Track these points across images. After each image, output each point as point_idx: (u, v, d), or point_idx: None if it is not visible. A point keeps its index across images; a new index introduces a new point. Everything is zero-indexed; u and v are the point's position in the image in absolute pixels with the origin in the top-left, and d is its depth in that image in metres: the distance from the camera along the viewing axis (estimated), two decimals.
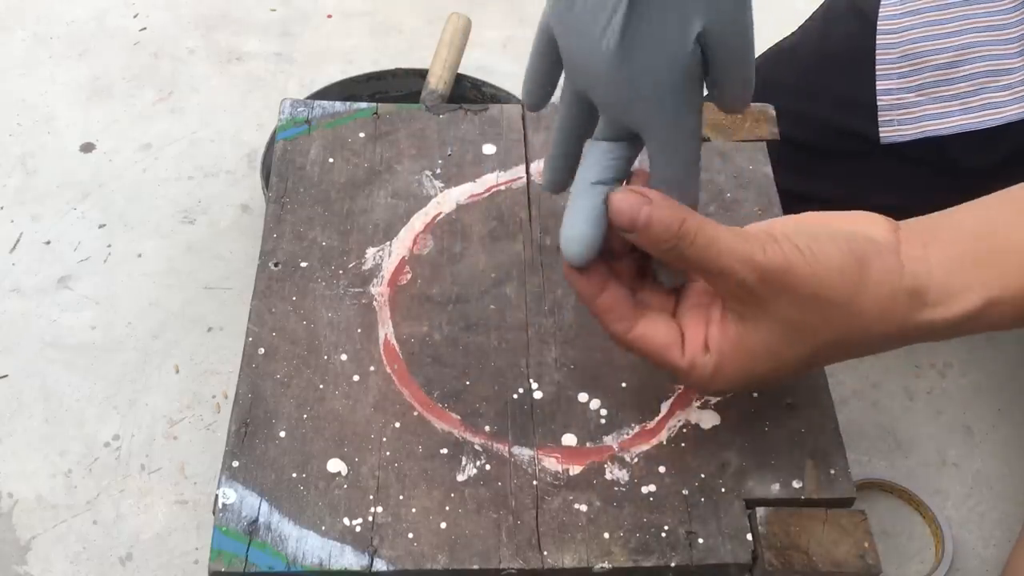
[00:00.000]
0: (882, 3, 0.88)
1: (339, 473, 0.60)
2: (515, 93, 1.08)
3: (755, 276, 0.53)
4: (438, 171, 0.76)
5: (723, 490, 0.60)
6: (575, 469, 0.61)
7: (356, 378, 0.64)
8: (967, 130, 0.85)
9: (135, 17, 1.29)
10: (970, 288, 0.55)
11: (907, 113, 0.87)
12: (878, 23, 0.88)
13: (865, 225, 0.57)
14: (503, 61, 1.26)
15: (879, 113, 0.87)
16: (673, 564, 0.57)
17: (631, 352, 0.60)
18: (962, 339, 1.00)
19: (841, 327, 0.55)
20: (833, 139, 0.91)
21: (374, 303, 0.68)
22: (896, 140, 0.87)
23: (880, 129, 0.87)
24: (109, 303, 1.00)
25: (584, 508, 0.59)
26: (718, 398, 0.64)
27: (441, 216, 0.73)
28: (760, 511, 0.59)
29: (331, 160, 0.76)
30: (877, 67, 0.88)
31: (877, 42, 0.88)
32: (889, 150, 0.88)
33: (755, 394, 0.64)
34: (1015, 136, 0.84)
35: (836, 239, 0.55)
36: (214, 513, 0.58)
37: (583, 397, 0.64)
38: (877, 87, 0.87)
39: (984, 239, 0.56)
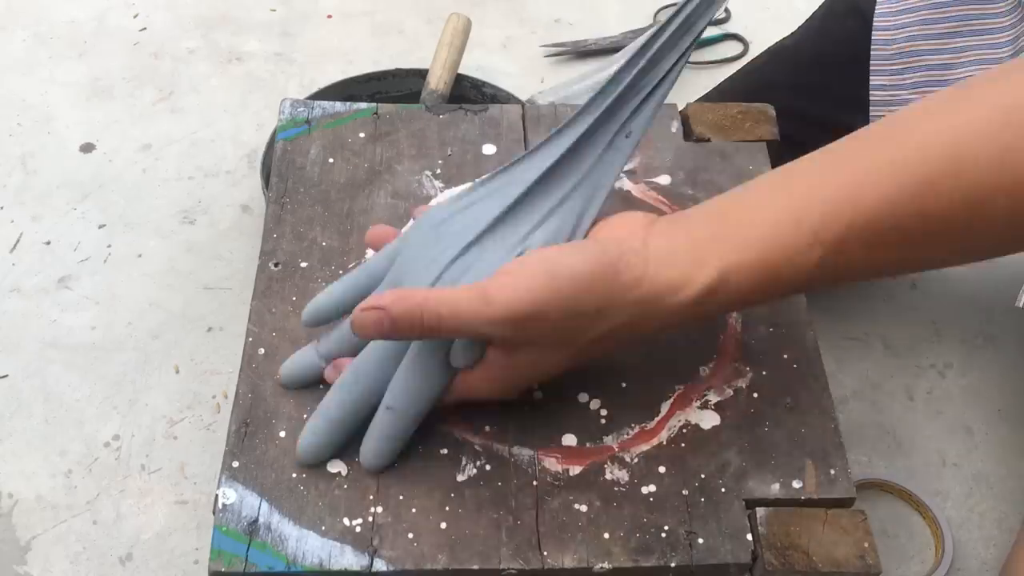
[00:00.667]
0: (879, 1, 0.88)
1: (339, 473, 0.60)
2: (515, 93, 1.08)
3: (509, 327, 0.56)
4: (438, 171, 0.76)
5: (723, 490, 0.60)
6: (575, 469, 0.61)
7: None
8: None
9: (135, 17, 1.29)
10: (706, 264, 0.56)
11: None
12: (874, 20, 0.88)
13: (619, 228, 0.59)
14: (503, 61, 1.26)
15: (871, 108, 0.87)
16: (673, 564, 0.57)
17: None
18: (962, 339, 1.01)
19: (599, 329, 0.57)
20: (832, 138, 0.91)
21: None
22: None
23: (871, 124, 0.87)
24: (109, 303, 1.00)
25: (584, 508, 0.59)
26: (720, 398, 0.64)
27: None
28: (760, 511, 0.59)
29: (331, 160, 0.76)
30: (871, 63, 0.88)
31: (872, 38, 0.88)
32: None
33: (755, 394, 0.64)
34: None
35: (584, 252, 0.57)
36: (214, 513, 0.58)
37: (583, 397, 0.64)
38: (870, 82, 0.87)
39: (724, 216, 0.58)
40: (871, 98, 0.88)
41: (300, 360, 0.63)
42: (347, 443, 0.60)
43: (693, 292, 0.56)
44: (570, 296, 0.55)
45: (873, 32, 0.88)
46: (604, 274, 0.56)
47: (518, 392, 0.62)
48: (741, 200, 0.58)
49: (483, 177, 0.64)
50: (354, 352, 0.62)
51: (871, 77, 0.87)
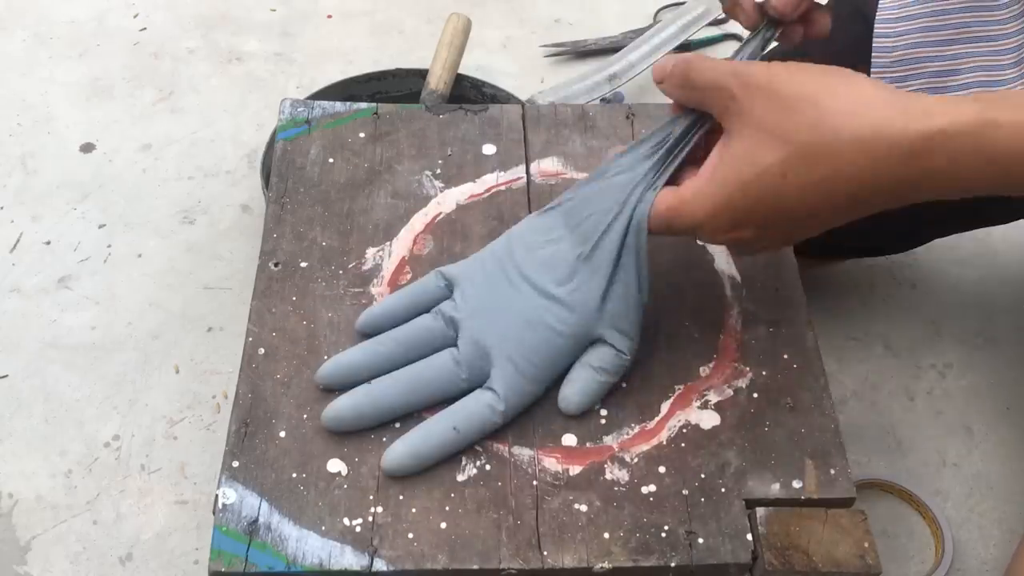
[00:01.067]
0: (879, 8, 0.88)
1: (339, 473, 0.60)
2: (515, 93, 1.08)
3: (737, 83, 0.56)
4: (438, 171, 0.76)
5: (723, 490, 0.60)
6: (575, 469, 0.61)
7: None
8: None
9: (135, 17, 1.29)
10: (965, 103, 0.53)
11: None
12: (875, 26, 0.88)
13: None
14: (503, 61, 1.26)
15: None
16: (673, 564, 0.57)
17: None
18: (962, 339, 1.01)
19: (813, 125, 0.55)
20: None
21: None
22: None
23: None
24: (109, 303, 1.00)
25: (584, 508, 0.59)
26: (720, 398, 0.64)
27: (441, 216, 0.73)
28: (760, 511, 0.59)
29: (331, 160, 0.76)
30: (872, 70, 0.87)
31: (873, 45, 0.88)
32: None
33: (755, 394, 0.65)
34: None
35: (836, 69, 0.56)
36: (214, 513, 0.58)
37: None
38: None
39: (982, 95, 0.56)
40: None
41: (344, 360, 0.64)
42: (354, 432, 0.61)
43: (940, 123, 0.53)
44: (799, 78, 0.56)
45: (874, 39, 0.88)
46: (836, 72, 0.56)
47: (727, 223, 0.58)
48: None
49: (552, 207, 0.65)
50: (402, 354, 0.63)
51: None
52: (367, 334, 0.65)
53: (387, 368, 0.63)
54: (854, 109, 0.54)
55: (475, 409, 0.61)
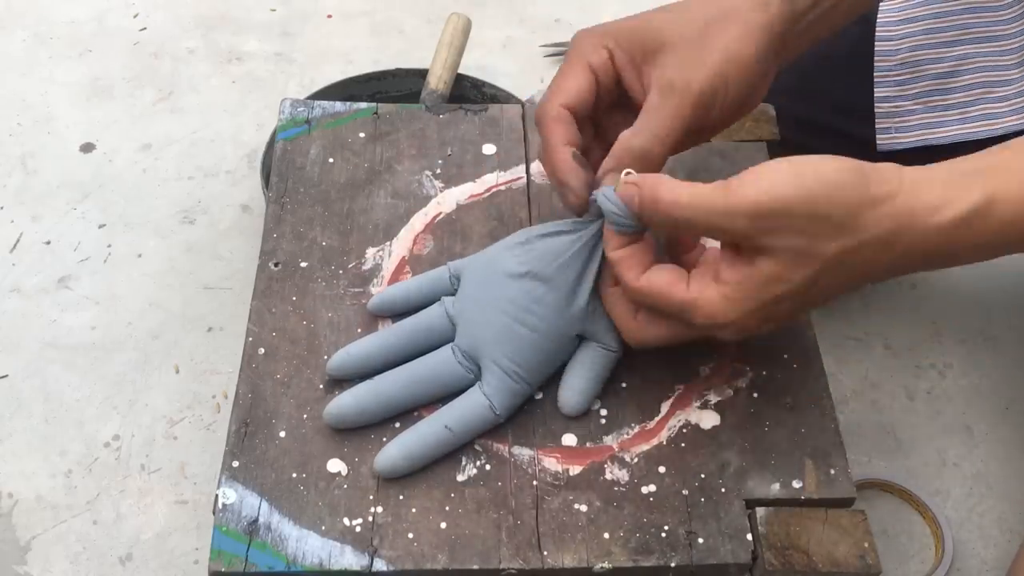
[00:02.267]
0: (880, 10, 0.88)
1: (339, 473, 0.60)
2: (515, 93, 1.08)
3: (748, 221, 0.54)
4: (438, 171, 0.76)
5: (723, 490, 0.60)
6: (575, 469, 0.61)
7: (356, 378, 0.64)
8: (964, 140, 0.85)
9: (135, 17, 1.29)
10: (971, 188, 0.54)
11: (904, 121, 0.87)
12: (876, 30, 0.88)
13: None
14: (503, 61, 1.26)
15: (876, 120, 0.87)
16: (673, 564, 0.57)
17: (641, 301, 0.59)
18: (962, 339, 1.01)
19: (844, 243, 0.54)
20: (831, 143, 0.91)
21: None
22: (892, 148, 0.87)
23: (877, 136, 0.87)
24: (109, 303, 1.00)
25: (584, 508, 0.59)
26: (720, 398, 0.64)
27: (441, 216, 0.73)
28: (760, 511, 0.59)
29: (331, 160, 0.76)
30: (875, 74, 0.87)
31: (875, 49, 0.87)
32: (886, 157, 0.88)
33: (755, 394, 0.65)
34: None
35: (835, 159, 0.55)
36: (214, 513, 0.58)
37: None
38: (875, 94, 0.87)
39: (990, 154, 0.57)
40: (876, 109, 0.87)
41: (355, 351, 0.64)
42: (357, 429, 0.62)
43: (955, 213, 0.53)
44: (817, 195, 0.53)
45: (876, 43, 0.88)
46: (855, 182, 0.53)
47: (756, 324, 0.57)
48: (1007, 146, 0.57)
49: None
50: (412, 347, 0.63)
51: (876, 89, 0.87)
52: (378, 317, 0.66)
53: (397, 359, 0.63)
54: (879, 223, 0.54)
55: (468, 407, 0.61)
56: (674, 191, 0.55)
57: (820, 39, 0.67)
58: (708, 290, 0.57)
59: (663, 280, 0.58)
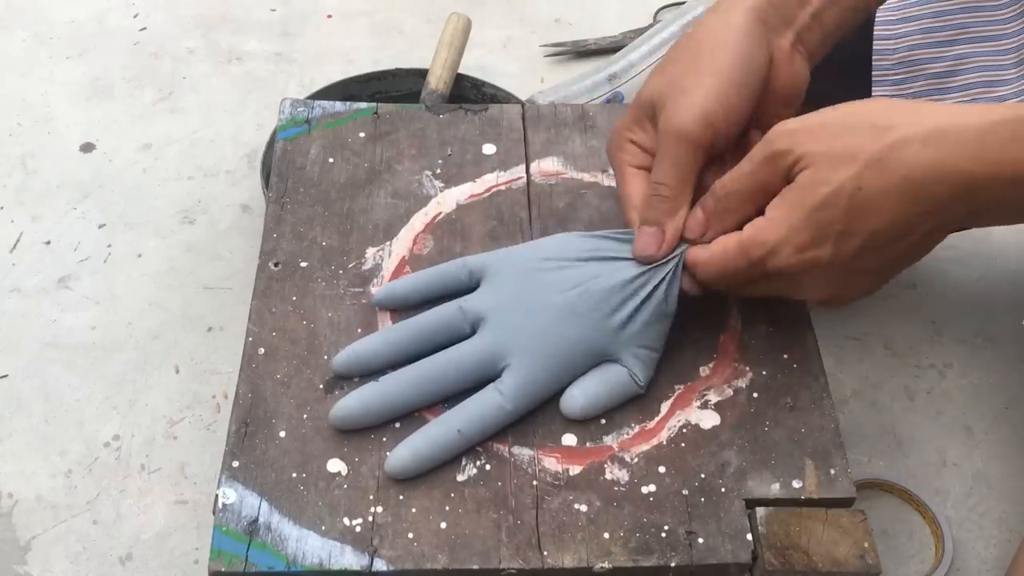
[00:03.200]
0: (878, 9, 0.88)
1: (339, 473, 0.60)
2: (515, 93, 1.08)
3: (786, 138, 0.58)
4: (438, 171, 0.76)
5: (723, 490, 0.60)
6: (575, 469, 0.61)
7: (356, 378, 0.64)
8: None
9: (135, 17, 1.29)
10: (1001, 106, 0.56)
11: None
12: (874, 29, 0.88)
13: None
14: (503, 61, 1.26)
15: None
16: (673, 564, 0.57)
17: (716, 272, 0.62)
18: (962, 339, 1.01)
19: (882, 138, 0.55)
20: None
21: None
22: None
23: None
24: (109, 303, 1.00)
25: (584, 508, 0.59)
26: (720, 398, 0.64)
27: (441, 216, 0.73)
28: (760, 511, 0.59)
29: (331, 160, 0.76)
30: (873, 73, 0.87)
31: (873, 48, 0.87)
32: None
33: (755, 394, 0.65)
34: None
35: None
36: (214, 513, 0.58)
37: None
38: (872, 93, 0.87)
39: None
40: None
41: (361, 348, 0.64)
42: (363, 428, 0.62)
43: (998, 115, 0.55)
44: (852, 109, 0.57)
45: (874, 42, 0.88)
46: (890, 103, 0.57)
47: (810, 239, 0.58)
48: None
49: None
50: (418, 345, 0.63)
51: (874, 88, 0.87)
52: (378, 314, 0.66)
53: (404, 358, 0.63)
54: (913, 118, 0.55)
55: (480, 410, 0.61)
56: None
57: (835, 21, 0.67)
58: (757, 222, 0.59)
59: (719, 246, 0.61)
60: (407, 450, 0.59)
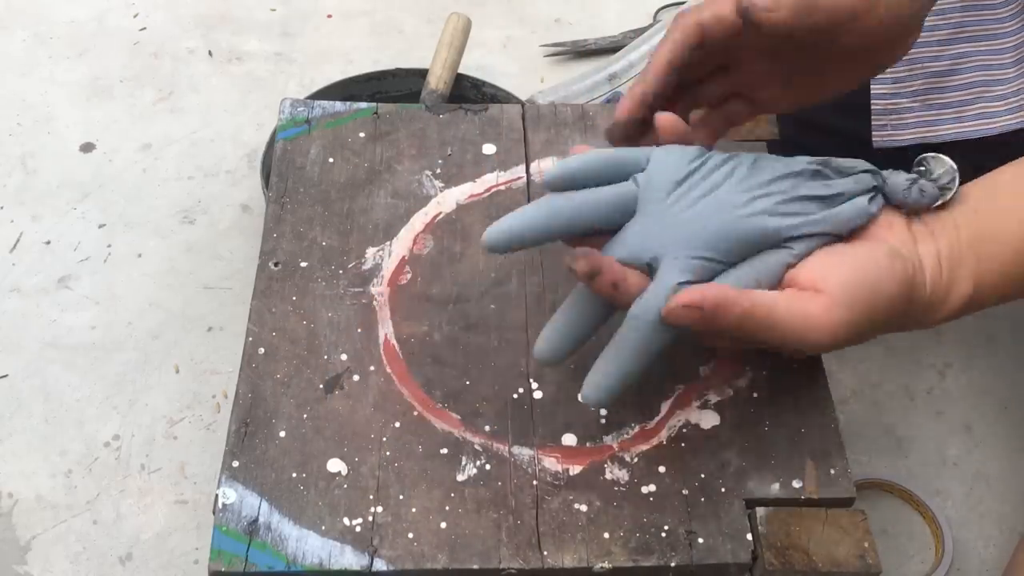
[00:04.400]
0: None
1: (339, 473, 0.60)
2: (515, 93, 1.08)
3: (820, 348, 0.59)
4: (438, 171, 0.76)
5: (723, 490, 0.60)
6: (575, 469, 0.61)
7: (356, 378, 0.64)
8: (960, 138, 0.85)
9: (135, 17, 1.29)
10: (962, 279, 0.60)
11: (900, 119, 0.87)
12: None
13: (885, 228, 0.61)
14: (503, 61, 1.26)
15: (872, 117, 0.87)
16: (673, 564, 0.57)
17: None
18: (962, 339, 1.01)
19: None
20: (830, 142, 0.91)
21: (374, 303, 0.68)
22: (888, 145, 0.87)
23: (873, 133, 0.87)
24: (109, 303, 1.00)
25: (584, 508, 0.59)
26: (720, 398, 0.64)
27: (441, 216, 0.73)
28: (760, 511, 0.59)
29: (331, 160, 0.76)
30: None
31: None
32: (883, 154, 0.88)
33: (755, 394, 0.65)
34: (1009, 146, 0.84)
35: (894, 272, 0.59)
36: (214, 513, 0.58)
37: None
38: (871, 91, 0.87)
39: (975, 224, 0.61)
40: (872, 106, 0.87)
41: (517, 220, 0.60)
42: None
43: (948, 309, 0.61)
44: (881, 322, 0.59)
45: None
46: (908, 297, 0.59)
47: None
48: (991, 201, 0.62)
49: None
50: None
51: (872, 85, 0.87)
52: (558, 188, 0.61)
53: (564, 232, 0.60)
54: (905, 322, 0.61)
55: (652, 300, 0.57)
56: (751, 310, 0.57)
57: None
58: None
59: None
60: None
